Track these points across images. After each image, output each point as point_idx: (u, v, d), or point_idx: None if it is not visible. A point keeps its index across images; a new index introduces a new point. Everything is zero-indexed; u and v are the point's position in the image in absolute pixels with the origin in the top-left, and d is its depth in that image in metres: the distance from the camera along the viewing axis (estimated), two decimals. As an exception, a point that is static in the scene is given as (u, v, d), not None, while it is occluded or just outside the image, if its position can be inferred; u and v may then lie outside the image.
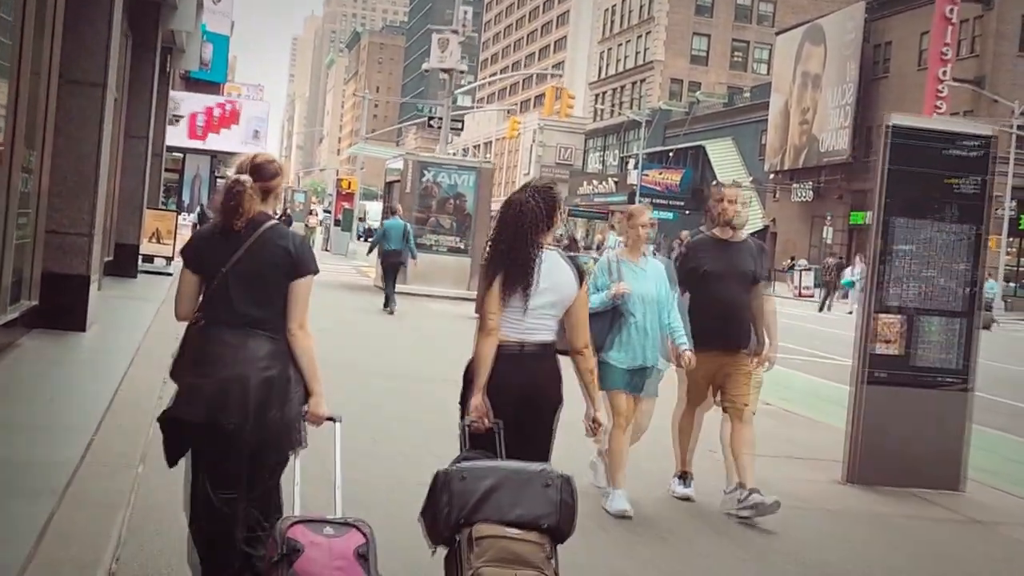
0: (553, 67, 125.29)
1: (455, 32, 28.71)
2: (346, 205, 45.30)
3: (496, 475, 4.23)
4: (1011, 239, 47.56)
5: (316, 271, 4.56)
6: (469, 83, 71.21)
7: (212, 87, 43.46)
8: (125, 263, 19.93)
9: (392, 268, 21.32)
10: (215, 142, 36.76)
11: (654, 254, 7.76)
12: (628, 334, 7.35)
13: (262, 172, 4.53)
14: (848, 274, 42.24)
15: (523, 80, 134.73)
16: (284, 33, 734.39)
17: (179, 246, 28.44)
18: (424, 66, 31.10)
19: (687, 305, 7.64)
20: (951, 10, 49.49)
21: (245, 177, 4.45)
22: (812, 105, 62.29)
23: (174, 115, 29.73)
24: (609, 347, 7.30)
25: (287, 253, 4.46)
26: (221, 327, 4.42)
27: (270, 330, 4.43)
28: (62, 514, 5.42)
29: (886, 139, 8.95)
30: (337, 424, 4.57)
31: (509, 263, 4.88)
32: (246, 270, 4.43)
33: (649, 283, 7.42)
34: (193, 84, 42.61)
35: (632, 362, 7.37)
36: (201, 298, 4.54)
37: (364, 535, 4.01)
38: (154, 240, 22.89)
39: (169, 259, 23.30)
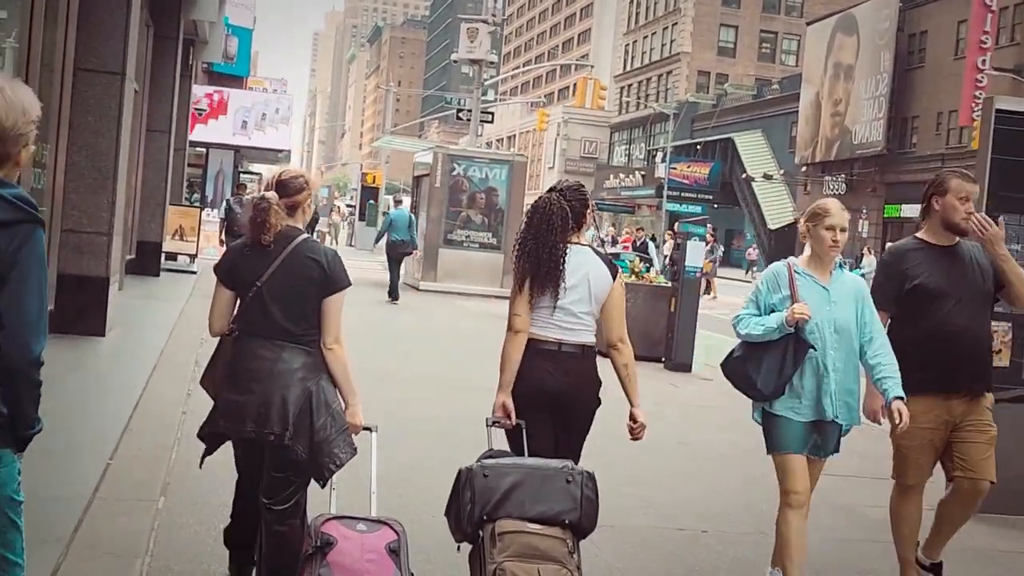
0: (577, 60, 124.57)
1: (484, 22, 27.81)
2: (371, 201, 44.54)
3: (518, 472, 4.27)
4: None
5: (349, 284, 4.64)
6: (492, 76, 70.33)
7: (235, 81, 42.78)
8: (147, 261, 19.22)
9: (397, 258, 21.32)
10: (202, 133, 35.86)
11: (842, 266, 5.62)
12: (809, 375, 5.30)
13: (287, 188, 4.62)
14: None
15: (547, 73, 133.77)
16: (305, 28, 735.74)
17: (202, 242, 27.80)
18: (453, 57, 30.28)
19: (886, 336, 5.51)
20: (991, -3, 48.29)
21: (271, 194, 4.56)
22: (844, 96, 61.12)
23: (196, 108, 29.05)
24: (780, 391, 5.33)
25: (320, 268, 4.53)
26: (257, 340, 4.52)
27: (305, 343, 4.51)
28: (68, 567, 4.61)
29: (990, 125, 7.88)
30: (373, 433, 4.71)
31: (535, 262, 4.83)
32: (280, 285, 4.51)
33: (841, 307, 5.38)
34: (216, 78, 41.95)
35: (812, 413, 5.33)
36: (236, 312, 4.65)
37: (396, 532, 4.17)
38: (177, 237, 22.17)
39: (193, 256, 22.57)
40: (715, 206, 73.85)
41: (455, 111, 61.03)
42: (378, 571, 4.05)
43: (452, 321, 18.68)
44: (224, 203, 24.87)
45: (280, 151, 41.32)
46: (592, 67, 60.98)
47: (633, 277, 15.12)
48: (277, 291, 4.51)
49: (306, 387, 4.46)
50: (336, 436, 4.49)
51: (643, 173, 79.86)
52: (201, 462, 4.80)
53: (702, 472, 8.45)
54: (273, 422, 4.41)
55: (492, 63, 29.30)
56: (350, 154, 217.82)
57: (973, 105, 48.37)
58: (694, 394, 12.35)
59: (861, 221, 55.42)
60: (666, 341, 14.42)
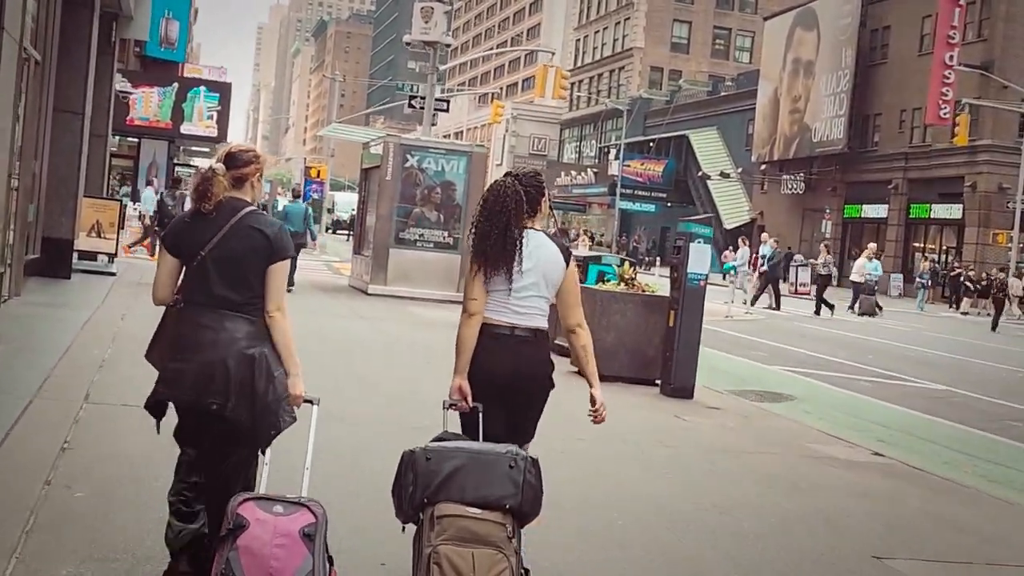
0: (526, 56, 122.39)
1: (440, 1, 25.42)
2: (315, 195, 42.02)
3: (461, 456, 4.26)
4: (1010, 233, 44.79)
5: (293, 254, 4.99)
6: (429, 81, 67.80)
7: (170, 67, 40.08)
8: (56, 262, 16.80)
9: (295, 249, 19.21)
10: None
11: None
12: None
13: (235, 160, 4.66)
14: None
15: (495, 69, 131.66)
16: (249, 21, 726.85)
17: (126, 240, 25.24)
18: (405, 39, 27.85)
19: None
20: (959, -9, 46.73)
21: (218, 165, 4.61)
22: (804, 93, 59.48)
23: (121, 91, 26.43)
24: None
25: (265, 237, 4.56)
26: (200, 309, 4.54)
27: (247, 312, 4.54)
28: None
29: None
30: (314, 406, 4.61)
31: (489, 245, 4.81)
32: (224, 254, 4.52)
33: None
34: (150, 64, 39.26)
35: None
36: (180, 282, 4.64)
37: (314, 515, 4.03)
38: (94, 234, 19.60)
39: (112, 256, 20.03)
40: (668, 205, 72.13)
41: (406, 101, 58.63)
42: (287, 556, 3.93)
43: (401, 331, 16.36)
44: (158, 196, 23.62)
45: (216, 141, 38.71)
46: (553, 54, 58.60)
47: (623, 285, 12.91)
48: (221, 260, 4.52)
49: (248, 355, 4.47)
50: (277, 404, 4.49)
51: (595, 170, 77.90)
52: (158, 428, 4.73)
53: (760, 558, 6.26)
54: (215, 390, 4.44)
55: (448, 45, 26.88)
56: (294, 149, 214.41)
57: (940, 102, 46.84)
58: (708, 430, 10.17)
59: (824, 221, 53.76)
60: (663, 361, 12.23)
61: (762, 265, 30.95)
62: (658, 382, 12.70)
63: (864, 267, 33.15)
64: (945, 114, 46.90)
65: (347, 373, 11.29)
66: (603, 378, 11.84)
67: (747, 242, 35.37)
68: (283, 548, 3.94)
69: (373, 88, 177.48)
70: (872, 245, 38.52)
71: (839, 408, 12.88)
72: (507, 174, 5.02)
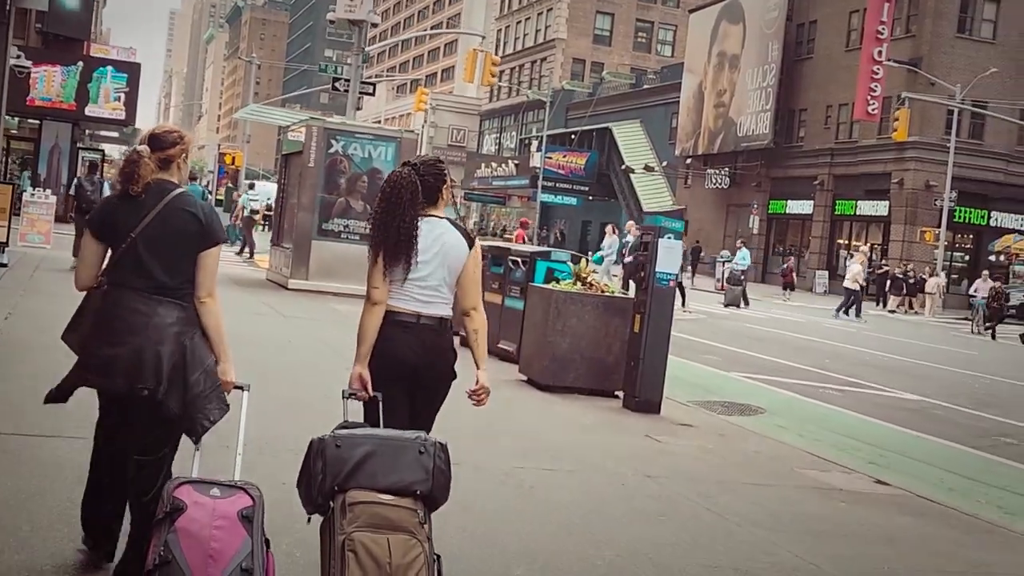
0: (446, 46, 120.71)
1: (366, -21, 23.89)
2: (229, 184, 40.12)
3: (371, 442, 4.19)
4: (937, 230, 44.51)
5: (225, 239, 4.73)
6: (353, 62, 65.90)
7: (74, 45, 37.87)
8: (-65, 252, 14.96)
9: None
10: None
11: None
12: None
13: (160, 141, 4.57)
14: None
15: (413, 59, 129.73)
16: (161, 7, 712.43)
17: (25, 227, 23.29)
18: (329, 16, 26.32)
19: None
20: (888, -13, 46.26)
21: (143, 147, 4.54)
22: (729, 87, 58.83)
23: (17, 67, 24.40)
24: None
25: (197, 221, 4.49)
26: (129, 293, 4.44)
27: (179, 297, 4.48)
28: None
29: None
30: (245, 392, 4.58)
31: (386, 235, 4.81)
32: (155, 237, 4.44)
33: None
34: (53, 42, 37.03)
35: None
36: (106, 264, 4.55)
37: (252, 498, 4.01)
38: (-17, 221, 17.75)
39: (3, 245, 18.19)
40: (590, 198, 71.19)
41: (322, 89, 56.53)
42: (227, 538, 3.87)
43: (327, 333, 14.84)
44: (75, 180, 22.38)
45: (124, 124, 36.63)
46: (483, 38, 57.02)
47: (579, 285, 11.57)
48: (152, 243, 4.45)
49: (180, 342, 4.41)
50: (209, 392, 4.43)
51: (516, 162, 76.53)
52: (46, 400, 4.57)
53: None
54: (147, 377, 4.35)
55: (375, 24, 25.35)
56: (207, 137, 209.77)
57: (869, 98, 46.37)
58: (689, 454, 8.88)
59: (751, 216, 53.10)
60: (627, 371, 10.92)
61: (626, 256, 29.48)
62: (619, 394, 11.42)
63: (737, 257, 32.28)
64: (873, 110, 46.47)
65: (271, 393, 9.80)
66: (557, 389, 10.43)
67: (616, 230, 33.88)
68: (222, 530, 3.89)
69: (289, 76, 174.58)
70: (864, 248, 37.78)
71: (814, 422, 11.72)
72: (404, 163, 5.00)
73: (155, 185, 4.49)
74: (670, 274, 10.70)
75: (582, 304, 11.35)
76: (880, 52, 46.15)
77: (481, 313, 5.09)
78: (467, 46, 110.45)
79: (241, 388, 4.60)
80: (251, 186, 25.84)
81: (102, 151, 41.59)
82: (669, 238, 10.69)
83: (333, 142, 20.52)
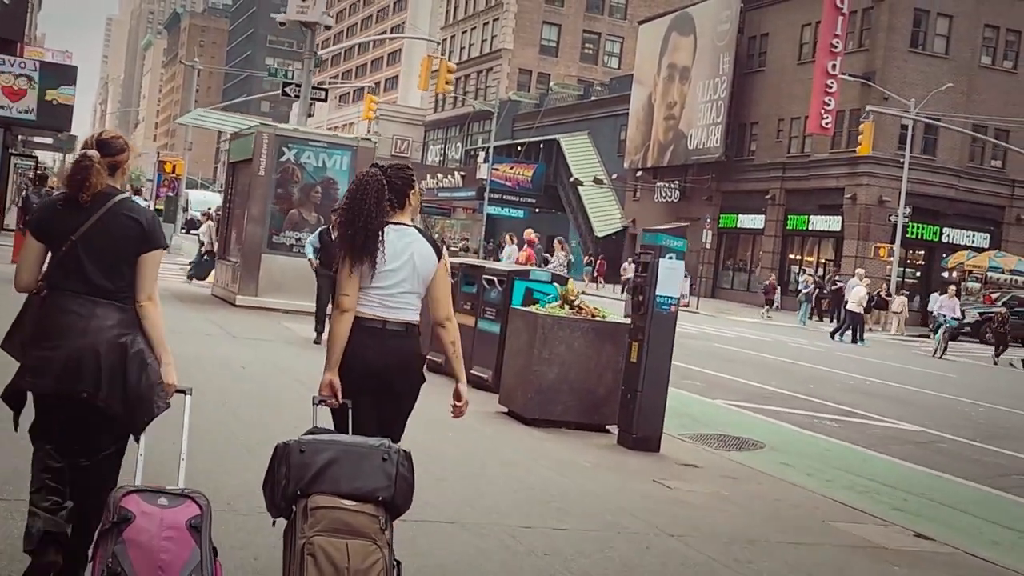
0: (390, 55, 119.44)
1: (318, -21, 22.71)
2: (169, 192, 38.65)
3: (335, 448, 4.20)
4: (891, 246, 44.12)
5: (166, 246, 4.61)
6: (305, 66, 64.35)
7: (7, 47, 36.14)
8: None
9: None
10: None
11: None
12: None
13: (109, 147, 4.54)
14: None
15: (356, 68, 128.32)
16: (97, 12, 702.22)
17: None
18: (279, 18, 25.12)
19: None
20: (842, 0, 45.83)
21: (93, 152, 4.45)
22: (680, 99, 58.22)
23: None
24: None
25: (138, 225, 4.45)
26: (68, 296, 4.40)
27: (119, 299, 4.43)
28: None
29: None
30: (187, 396, 4.53)
31: (354, 235, 4.80)
32: (95, 240, 4.40)
33: None
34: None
35: None
36: (45, 268, 4.51)
37: (200, 507, 3.97)
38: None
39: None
40: (537, 210, 70.31)
41: (263, 96, 55.03)
42: (176, 548, 3.82)
43: (282, 357, 13.68)
44: (23, 194, 22.79)
45: (60, 130, 35.04)
46: (439, 43, 55.68)
47: (567, 308, 10.52)
48: (93, 247, 4.40)
49: (120, 342, 4.35)
50: (150, 389, 4.37)
51: (463, 174, 75.50)
52: (16, 425, 4.47)
53: None
54: (86, 379, 4.30)
55: (328, 27, 24.21)
56: (144, 145, 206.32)
57: (822, 111, 45.92)
58: (705, 504, 7.86)
59: (704, 231, 52.37)
60: (623, 404, 9.89)
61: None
62: (610, 428, 10.41)
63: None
64: (827, 123, 46.02)
65: (231, 434, 8.68)
66: (544, 423, 9.30)
67: (564, 245, 32.87)
68: (171, 540, 3.85)
69: (229, 83, 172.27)
70: (860, 271, 37.00)
71: (818, 459, 10.79)
72: (373, 165, 4.95)
73: (100, 190, 4.43)
74: (671, 298, 9.70)
75: (571, 329, 10.31)
76: (834, 66, 45.73)
77: (455, 324, 5.09)
78: (411, 55, 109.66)
79: (183, 392, 4.53)
80: (136, 191, 24.45)
81: (35, 158, 39.89)
82: (671, 258, 9.69)
83: (285, 150, 19.37)
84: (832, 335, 31.82)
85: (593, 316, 10.52)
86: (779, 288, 49.27)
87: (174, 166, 40.49)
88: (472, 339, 12.59)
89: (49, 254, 4.47)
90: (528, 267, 13.57)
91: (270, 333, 15.94)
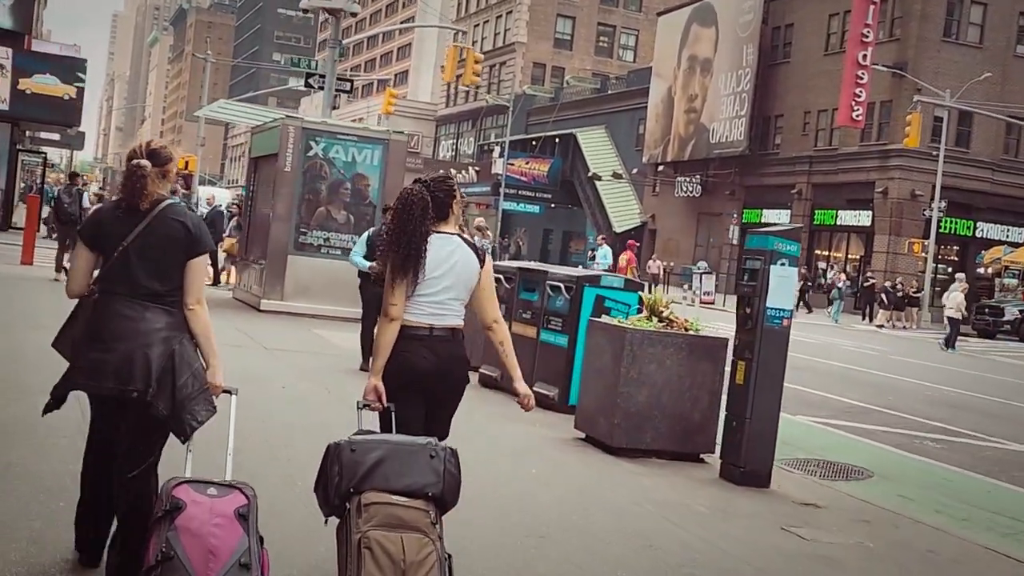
0: (400, 49, 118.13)
1: (343, -37, 21.40)
2: (183, 190, 37.41)
3: (384, 447, 4.34)
4: (926, 242, 42.74)
5: (213, 248, 5.27)
6: (311, 65, 62.86)
7: (14, 40, 34.92)
8: None
9: None
10: None
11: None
12: None
13: (159, 157, 4.74)
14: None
15: (365, 63, 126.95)
16: (104, 9, 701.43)
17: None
18: (303, 4, 23.74)
19: None
20: (874, -12, 44.41)
21: (145, 162, 4.63)
22: (701, 92, 56.85)
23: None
24: None
25: (186, 230, 4.61)
26: (119, 300, 4.55)
27: (167, 303, 4.58)
28: None
29: None
30: (233, 396, 4.68)
31: (400, 252, 4.93)
32: (145, 245, 4.57)
33: None
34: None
35: None
36: (97, 273, 4.68)
37: (247, 497, 4.13)
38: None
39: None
40: (553, 206, 69.05)
41: (269, 92, 53.76)
42: (225, 535, 3.99)
43: (318, 372, 12.41)
44: (55, 193, 22.74)
45: (68, 126, 33.79)
46: (466, 33, 54.15)
47: (655, 321, 9.22)
48: (142, 251, 4.55)
49: (169, 346, 4.49)
50: (197, 394, 4.52)
51: (477, 169, 74.16)
52: (44, 411, 4.69)
53: None
54: (136, 379, 4.43)
55: (354, 13, 22.93)
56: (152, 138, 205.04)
57: (853, 103, 44.54)
58: (858, 564, 6.57)
59: (732, 227, 51.07)
60: (727, 431, 8.59)
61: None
62: (705, 458, 9.13)
63: (598, 256, 30.43)
64: (858, 116, 44.63)
65: (281, 482, 7.44)
66: (631, 452, 7.84)
67: (485, 233, 31.22)
68: (220, 527, 3.98)
69: (236, 78, 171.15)
70: (959, 275, 35.65)
71: (938, 489, 9.52)
72: (416, 180, 5.15)
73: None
74: (784, 310, 8.41)
75: (663, 346, 9.02)
76: (865, 56, 44.31)
77: (503, 324, 5.24)
78: (422, 50, 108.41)
79: (229, 392, 4.68)
80: (173, 191, 23.22)
81: (44, 155, 38.66)
82: (783, 264, 8.40)
83: (312, 144, 18.10)
84: (945, 346, 29.80)
85: (686, 330, 9.22)
86: (811, 284, 48.04)
87: (187, 162, 39.25)
88: (534, 352, 11.34)
89: (101, 259, 4.63)
90: (599, 272, 12.23)
91: (302, 342, 14.69)
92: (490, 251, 28.77)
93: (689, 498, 7.74)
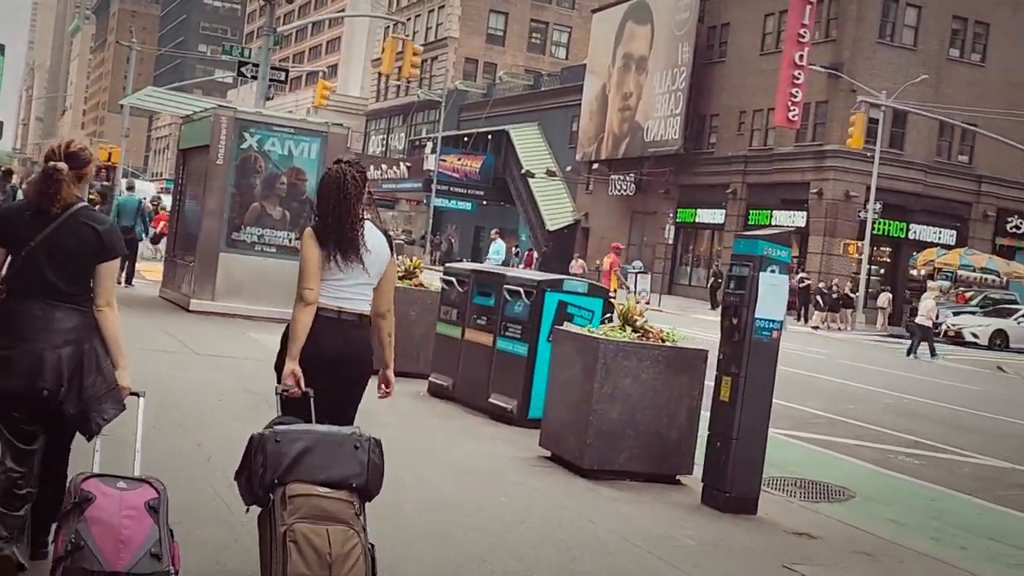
0: (329, 42, 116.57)
1: (278, -52, 20.42)
2: (105, 182, 36.09)
3: (309, 438, 4.33)
4: (861, 243, 42.74)
5: (124, 253, 5.05)
6: (244, 54, 61.36)
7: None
8: None
9: (128, 245, 18.70)
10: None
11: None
12: None
13: (77, 159, 4.67)
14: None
15: (293, 56, 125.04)
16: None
17: None
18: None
19: None
20: (811, -12, 44.25)
21: (62, 165, 4.58)
22: (636, 90, 56.44)
23: None
24: None
25: (96, 234, 4.59)
26: (28, 299, 4.55)
27: (78, 303, 4.58)
28: None
29: None
30: (141, 399, 4.67)
31: (333, 234, 4.90)
32: (55, 246, 4.54)
33: None
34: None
35: None
36: (6, 271, 4.64)
37: (156, 490, 4.16)
38: None
39: None
40: (485, 203, 68.36)
41: (193, 82, 52.25)
42: (136, 526, 4.01)
43: (256, 381, 11.51)
44: None
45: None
46: (403, 24, 52.78)
47: (628, 331, 8.49)
48: (52, 252, 4.54)
49: (79, 346, 4.50)
50: (105, 393, 4.54)
51: (409, 165, 73.14)
52: None
53: None
54: (46, 378, 4.44)
55: (290, 1, 21.88)
56: (71, 132, 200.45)
57: (790, 104, 44.36)
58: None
59: (668, 226, 50.72)
60: (710, 453, 7.90)
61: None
62: (682, 479, 8.45)
63: (490, 252, 30.19)
64: (794, 116, 44.48)
65: (218, 507, 6.61)
66: (604, 474, 7.83)
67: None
68: (131, 519, 4.00)
69: (160, 70, 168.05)
70: (932, 283, 35.48)
71: (930, 513, 8.98)
72: (338, 161, 5.09)
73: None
74: (774, 321, 7.75)
75: (639, 359, 8.30)
76: (801, 56, 44.14)
77: (393, 315, 5.29)
78: (352, 43, 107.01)
79: (136, 395, 4.67)
80: (130, 188, 22.51)
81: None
82: (773, 271, 7.73)
83: (247, 136, 17.13)
84: (917, 354, 29.33)
85: (663, 340, 8.52)
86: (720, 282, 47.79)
87: (109, 154, 37.85)
88: (490, 361, 10.57)
89: (9, 258, 4.59)
90: (562, 277, 11.47)
91: (238, 347, 13.77)
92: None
93: (675, 529, 7.03)
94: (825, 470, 10.11)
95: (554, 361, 8.93)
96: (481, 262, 36.24)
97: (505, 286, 10.57)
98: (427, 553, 5.80)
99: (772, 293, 7.68)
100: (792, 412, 14.01)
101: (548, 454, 8.78)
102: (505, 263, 47.47)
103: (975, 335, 37.66)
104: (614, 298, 11.36)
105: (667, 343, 8.50)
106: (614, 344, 8.29)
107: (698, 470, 8.29)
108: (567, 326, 9.13)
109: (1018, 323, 37.48)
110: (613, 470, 8.28)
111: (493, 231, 40.15)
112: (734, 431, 7.68)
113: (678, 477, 8.47)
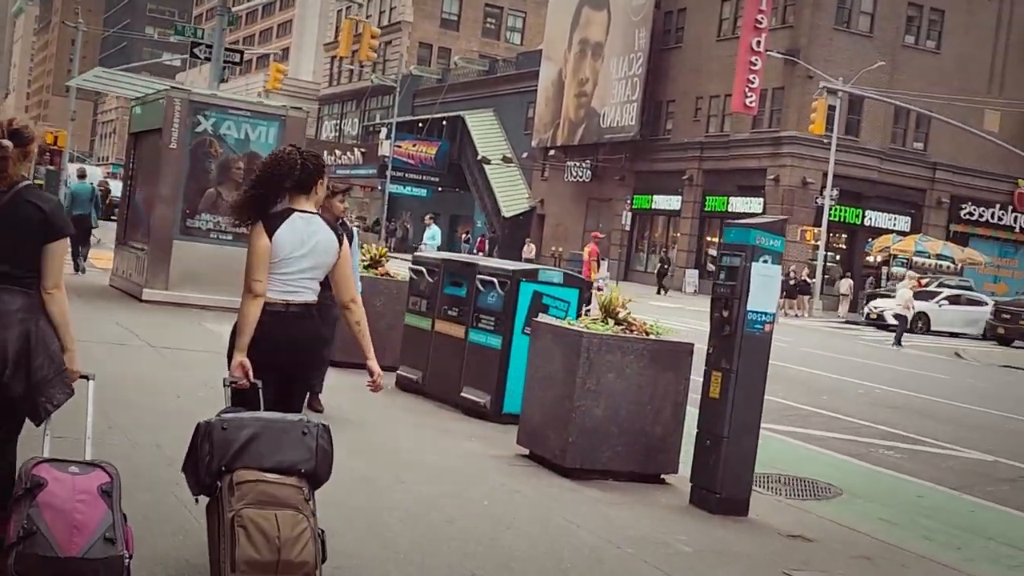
0: (280, 26, 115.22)
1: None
2: (51, 166, 35.20)
3: (256, 424, 4.33)
4: (818, 229, 42.73)
5: (71, 232, 4.67)
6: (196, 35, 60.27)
7: None
8: None
9: (81, 234, 19.48)
10: None
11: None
12: None
13: (21, 136, 4.56)
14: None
15: (243, 39, 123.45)
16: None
17: None
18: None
19: None
20: (768, -26, 44.10)
21: (7, 143, 4.49)
22: (592, 76, 56.11)
23: None
24: None
25: (40, 212, 4.47)
26: None
27: (24, 285, 4.45)
28: None
29: None
30: (90, 381, 4.61)
31: (266, 204, 4.93)
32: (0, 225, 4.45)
33: None
34: None
35: None
36: None
37: (109, 475, 4.13)
38: None
39: None
40: (440, 189, 67.83)
41: (142, 65, 51.21)
42: (89, 511, 3.98)
43: (216, 375, 11.01)
44: None
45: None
46: (360, 5, 51.83)
47: (611, 324, 8.12)
48: None
49: (25, 328, 4.39)
50: (53, 377, 4.45)
51: (363, 151, 72.34)
52: None
53: None
54: None
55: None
56: (15, 116, 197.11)
57: (747, 90, 44.24)
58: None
59: (625, 213, 50.48)
60: (699, 452, 7.56)
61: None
62: (666, 478, 8.11)
63: (425, 237, 30.14)
64: (751, 102, 44.39)
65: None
66: (587, 474, 7.83)
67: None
68: (84, 503, 3.97)
69: (105, 53, 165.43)
70: (910, 273, 35.47)
71: (918, 510, 8.71)
72: (291, 145, 5.08)
73: None
74: (767, 314, 7.41)
75: (623, 352, 7.93)
76: (759, 42, 44.07)
77: (360, 304, 5.21)
78: (304, 27, 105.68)
79: (86, 377, 4.60)
80: (82, 175, 21.95)
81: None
82: (765, 261, 7.39)
83: (201, 119, 16.55)
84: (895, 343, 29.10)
85: (647, 334, 8.15)
86: (697, 271, 47.90)
87: (56, 138, 36.91)
88: (462, 354, 10.17)
89: None
90: (537, 267, 11.06)
91: (194, 339, 13.25)
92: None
93: (666, 534, 6.68)
94: (807, 465, 9.82)
95: (533, 355, 8.54)
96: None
97: (477, 276, 10.17)
98: (412, 564, 5.40)
99: (764, 284, 7.35)
100: (767, 403, 13.71)
101: (526, 452, 8.40)
102: (451, 250, 46.77)
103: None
104: (600, 290, 10.97)
105: (651, 336, 8.13)
106: (598, 337, 7.92)
107: (684, 468, 7.96)
108: (545, 318, 8.76)
109: (939, 306, 37.54)
110: (596, 469, 7.92)
111: (427, 216, 39.50)
112: (725, 429, 7.35)
113: (663, 476, 8.13)
